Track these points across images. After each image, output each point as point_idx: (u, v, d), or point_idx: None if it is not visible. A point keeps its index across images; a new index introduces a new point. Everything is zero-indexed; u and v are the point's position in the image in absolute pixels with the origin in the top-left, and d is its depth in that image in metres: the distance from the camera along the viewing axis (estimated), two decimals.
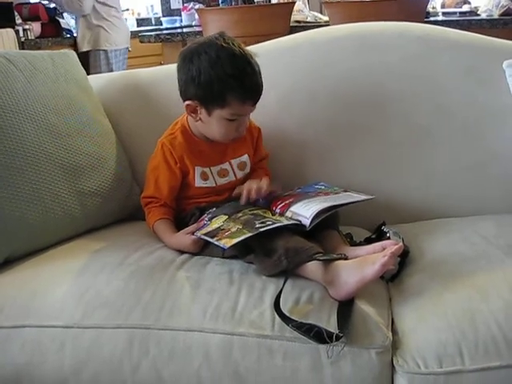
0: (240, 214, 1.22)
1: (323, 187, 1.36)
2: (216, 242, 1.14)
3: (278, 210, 1.24)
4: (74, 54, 1.66)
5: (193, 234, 1.24)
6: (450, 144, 1.53)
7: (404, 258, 1.20)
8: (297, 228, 1.16)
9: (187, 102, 1.29)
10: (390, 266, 1.03)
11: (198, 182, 1.35)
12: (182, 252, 1.26)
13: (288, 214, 1.21)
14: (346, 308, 1.02)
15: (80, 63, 1.65)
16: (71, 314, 1.08)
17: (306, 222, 1.16)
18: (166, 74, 1.73)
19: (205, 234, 1.20)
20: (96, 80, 1.70)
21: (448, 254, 1.22)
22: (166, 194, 1.36)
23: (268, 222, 1.15)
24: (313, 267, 1.08)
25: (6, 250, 1.26)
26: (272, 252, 1.10)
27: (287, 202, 1.26)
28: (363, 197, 1.27)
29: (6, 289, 1.17)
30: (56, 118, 1.40)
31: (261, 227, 1.13)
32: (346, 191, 1.31)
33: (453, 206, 1.50)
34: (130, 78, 1.73)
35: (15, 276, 1.21)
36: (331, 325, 0.99)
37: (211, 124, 1.29)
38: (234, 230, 1.15)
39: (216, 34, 1.29)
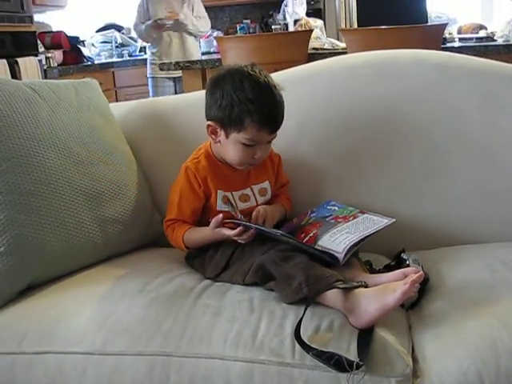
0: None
1: (336, 208, 1.38)
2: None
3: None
4: (96, 82, 1.70)
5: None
6: (469, 170, 1.53)
7: (424, 285, 1.20)
8: (331, 261, 1.18)
9: (208, 123, 1.33)
10: (410, 294, 1.03)
11: (220, 206, 1.36)
12: (202, 279, 1.27)
13: (317, 248, 1.22)
14: (365, 336, 1.02)
15: (102, 92, 1.69)
16: (93, 340, 1.09)
17: (340, 256, 1.17)
18: (185, 102, 1.77)
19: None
20: (117, 108, 1.73)
21: (468, 280, 1.22)
22: (188, 217, 1.38)
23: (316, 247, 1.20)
24: (333, 295, 1.08)
25: (29, 276, 1.28)
26: (292, 279, 1.11)
27: (311, 234, 1.28)
28: (385, 221, 1.27)
29: (28, 315, 1.19)
30: (79, 146, 1.43)
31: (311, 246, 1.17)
32: (362, 212, 1.32)
33: (473, 232, 1.50)
34: (150, 107, 1.76)
35: (38, 302, 1.23)
36: (351, 353, 0.99)
37: (228, 147, 1.32)
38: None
39: (248, 63, 1.33)
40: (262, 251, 1.21)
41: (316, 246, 1.23)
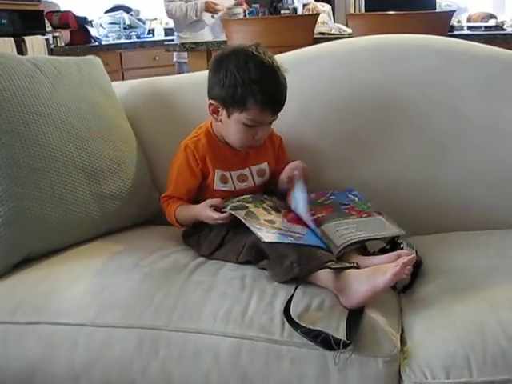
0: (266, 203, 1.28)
1: (357, 199, 1.37)
2: (254, 230, 1.16)
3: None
4: (98, 60, 1.70)
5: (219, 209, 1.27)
6: (469, 157, 1.52)
7: (417, 269, 1.20)
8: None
9: (210, 102, 1.32)
10: (401, 276, 1.03)
11: (217, 185, 1.37)
12: (196, 256, 1.28)
13: (318, 231, 1.22)
14: (355, 316, 1.02)
15: (104, 69, 1.69)
16: (85, 312, 1.10)
17: (335, 251, 1.17)
18: (188, 81, 1.77)
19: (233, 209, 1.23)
20: (120, 86, 1.73)
21: (462, 266, 1.22)
22: (183, 194, 1.39)
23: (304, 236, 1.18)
24: (324, 275, 1.09)
25: (26, 249, 1.29)
26: (284, 258, 1.11)
27: (320, 216, 1.28)
28: (396, 230, 1.25)
29: (23, 286, 1.20)
30: (79, 121, 1.43)
31: (298, 237, 1.16)
32: (379, 213, 1.30)
33: (470, 219, 1.50)
34: (152, 86, 1.76)
35: (33, 274, 1.24)
36: (340, 332, 0.99)
37: (230, 127, 1.32)
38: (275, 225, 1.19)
39: (252, 43, 1.32)
40: None
41: (319, 229, 1.22)
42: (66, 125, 1.40)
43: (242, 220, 1.20)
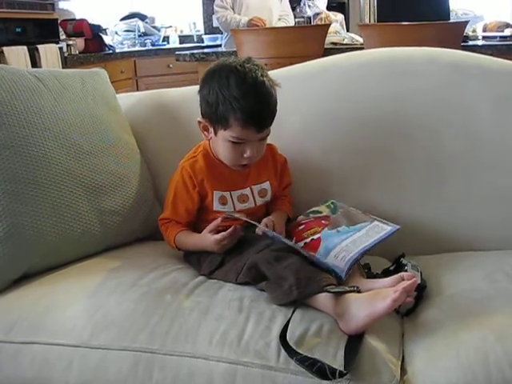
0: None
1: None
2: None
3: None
4: (104, 72, 1.69)
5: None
6: (479, 174, 1.48)
7: (421, 292, 1.17)
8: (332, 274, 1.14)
9: (199, 119, 1.32)
10: (400, 302, 1.00)
11: (216, 206, 1.34)
12: (196, 276, 1.26)
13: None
14: (354, 343, 0.99)
15: (110, 82, 1.68)
16: (80, 333, 1.09)
17: (342, 273, 1.13)
18: (194, 94, 1.73)
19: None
20: (125, 99, 1.72)
21: (467, 290, 1.18)
22: (182, 217, 1.36)
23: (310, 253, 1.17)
24: (323, 299, 1.06)
25: (25, 265, 1.28)
26: (283, 281, 1.08)
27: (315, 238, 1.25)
28: (389, 228, 1.21)
29: (20, 304, 1.19)
30: (81, 136, 1.42)
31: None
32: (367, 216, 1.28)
33: (479, 239, 1.45)
34: (158, 98, 1.75)
35: (31, 291, 1.23)
36: (337, 359, 0.97)
37: (218, 145, 1.30)
38: None
39: (244, 58, 1.29)
40: (256, 250, 1.19)
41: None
42: (68, 139, 1.39)
43: (247, 219, 1.20)
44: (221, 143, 1.28)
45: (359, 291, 1.06)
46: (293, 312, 1.03)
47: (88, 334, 1.08)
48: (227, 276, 1.22)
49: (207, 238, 1.26)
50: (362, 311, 1.00)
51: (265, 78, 1.24)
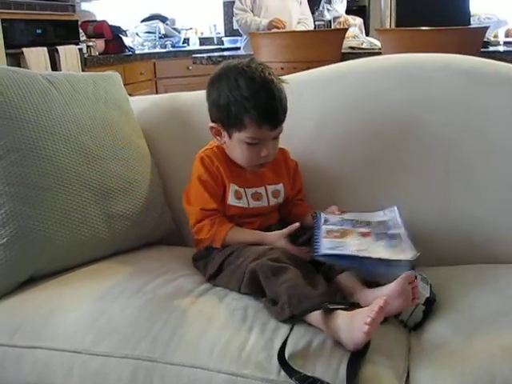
0: None
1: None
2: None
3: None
4: (118, 75, 1.69)
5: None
6: (496, 186, 1.44)
7: (430, 306, 1.14)
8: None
9: (210, 125, 1.31)
10: (380, 320, 0.97)
11: (231, 200, 1.33)
12: (202, 282, 1.25)
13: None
14: (356, 359, 0.96)
15: (122, 85, 1.67)
16: (81, 339, 1.08)
17: (317, 252, 1.12)
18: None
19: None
20: (138, 102, 1.72)
21: (478, 305, 1.15)
22: (218, 204, 1.32)
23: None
24: (316, 318, 1.03)
25: (31, 269, 1.28)
26: (278, 298, 1.06)
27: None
28: (403, 257, 1.11)
29: (25, 307, 1.19)
30: (91, 140, 1.42)
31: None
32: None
33: (494, 251, 1.41)
34: (171, 102, 1.75)
35: (36, 295, 1.23)
36: (339, 376, 0.94)
37: (234, 147, 1.29)
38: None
39: (246, 59, 1.29)
40: (254, 256, 1.17)
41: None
42: (78, 143, 1.39)
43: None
44: (237, 146, 1.27)
45: (353, 307, 1.02)
46: (290, 329, 1.01)
47: (90, 341, 1.08)
48: (230, 285, 1.21)
49: (277, 241, 1.24)
50: (348, 338, 0.98)
51: (272, 76, 1.25)
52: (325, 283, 1.09)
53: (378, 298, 0.98)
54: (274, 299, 1.08)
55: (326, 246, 1.14)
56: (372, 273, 1.13)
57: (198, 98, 1.74)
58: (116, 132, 1.50)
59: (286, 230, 1.25)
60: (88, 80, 1.55)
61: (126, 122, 1.56)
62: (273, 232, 1.28)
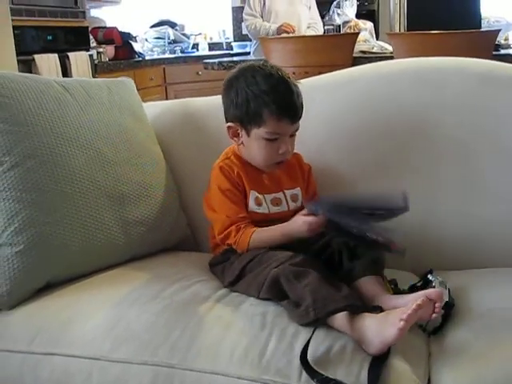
0: None
1: None
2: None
3: None
4: (131, 81, 1.69)
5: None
6: (508, 187, 1.43)
7: (449, 310, 1.13)
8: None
9: (228, 124, 1.31)
10: (411, 324, 0.97)
11: (252, 206, 1.32)
12: (219, 288, 1.24)
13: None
14: (378, 363, 0.96)
15: (136, 91, 1.68)
16: (100, 346, 1.08)
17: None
18: (220, 102, 1.74)
19: None
20: (152, 108, 1.72)
21: (498, 308, 1.14)
22: (245, 214, 1.31)
23: None
24: (340, 321, 1.03)
25: (48, 275, 1.28)
26: (301, 301, 1.06)
27: None
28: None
29: (42, 314, 1.19)
30: (106, 146, 1.42)
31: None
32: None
33: (507, 254, 1.40)
34: (184, 107, 1.75)
35: (53, 302, 1.23)
36: (361, 380, 0.94)
37: (252, 146, 1.29)
38: None
39: (260, 62, 1.32)
40: (276, 263, 1.16)
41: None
42: (93, 149, 1.39)
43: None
44: (255, 143, 1.28)
45: (382, 310, 1.03)
46: (313, 332, 1.00)
47: (108, 347, 1.07)
48: (249, 290, 1.20)
49: (297, 220, 1.22)
50: (376, 337, 0.97)
51: (285, 74, 1.28)
52: (347, 287, 1.09)
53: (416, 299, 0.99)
54: (296, 302, 1.07)
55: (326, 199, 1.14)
56: (368, 233, 1.12)
57: (210, 103, 1.75)
58: (131, 138, 1.50)
59: (303, 211, 1.23)
60: (102, 86, 1.55)
61: (140, 128, 1.56)
62: (292, 219, 1.25)
